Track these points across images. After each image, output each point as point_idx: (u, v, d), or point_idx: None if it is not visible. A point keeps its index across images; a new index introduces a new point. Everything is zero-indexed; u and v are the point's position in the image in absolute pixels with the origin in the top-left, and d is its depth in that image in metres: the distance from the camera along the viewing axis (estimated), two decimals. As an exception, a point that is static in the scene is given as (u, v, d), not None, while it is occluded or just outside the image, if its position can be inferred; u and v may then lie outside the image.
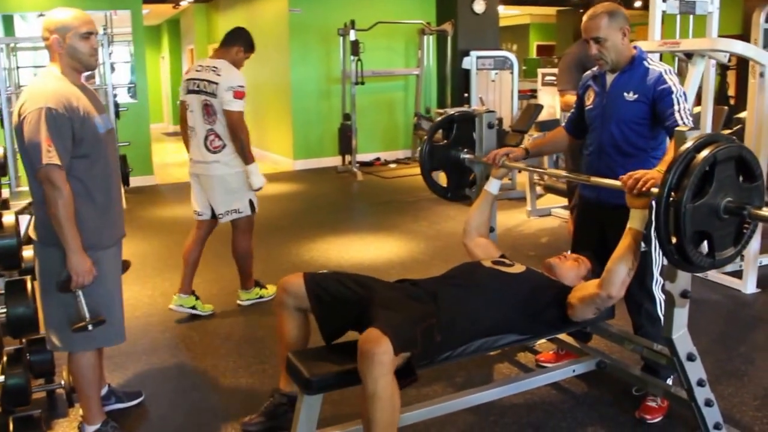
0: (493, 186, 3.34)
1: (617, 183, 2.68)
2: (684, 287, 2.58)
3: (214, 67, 4.25)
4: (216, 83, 4.19)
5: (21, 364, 2.69)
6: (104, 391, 3.19)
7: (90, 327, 2.69)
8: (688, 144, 2.29)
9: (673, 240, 2.26)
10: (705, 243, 2.37)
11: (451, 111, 7.09)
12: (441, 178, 3.78)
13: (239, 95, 4.20)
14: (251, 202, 4.41)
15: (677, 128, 2.65)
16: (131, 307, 4.40)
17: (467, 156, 3.55)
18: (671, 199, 2.24)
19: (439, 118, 3.82)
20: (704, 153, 2.25)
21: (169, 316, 4.38)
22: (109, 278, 2.82)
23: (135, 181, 8.33)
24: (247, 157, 4.26)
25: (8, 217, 2.90)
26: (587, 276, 2.92)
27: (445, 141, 3.61)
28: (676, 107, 2.84)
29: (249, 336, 4.06)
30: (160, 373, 3.65)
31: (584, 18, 2.98)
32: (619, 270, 2.55)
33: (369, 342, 2.26)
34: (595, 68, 3.13)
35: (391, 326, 2.32)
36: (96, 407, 2.91)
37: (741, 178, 2.37)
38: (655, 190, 2.44)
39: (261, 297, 4.68)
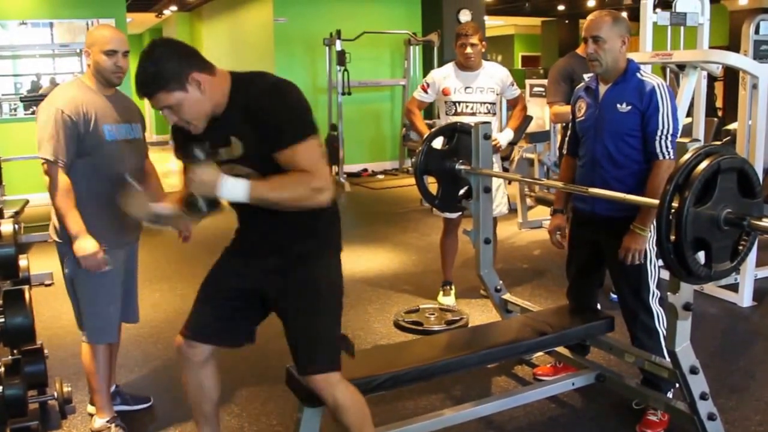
0: None
1: (618, 194, 2.69)
2: (686, 299, 2.57)
3: None
4: None
5: (18, 375, 2.68)
6: (111, 389, 3.22)
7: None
8: (690, 153, 2.28)
9: (672, 237, 2.24)
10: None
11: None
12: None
13: None
14: None
15: (678, 140, 2.67)
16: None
17: (463, 167, 3.52)
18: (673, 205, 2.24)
19: (443, 125, 3.81)
20: (708, 161, 2.25)
21: (161, 328, 4.32)
22: (104, 276, 2.88)
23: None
24: None
25: (6, 226, 2.90)
26: None
27: (446, 147, 3.59)
28: (659, 132, 2.87)
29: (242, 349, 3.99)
30: (154, 383, 3.60)
31: (588, 17, 3.02)
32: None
33: (317, 390, 2.31)
34: (586, 77, 3.13)
35: (326, 362, 2.31)
36: (103, 401, 3.05)
37: (741, 193, 2.35)
38: None
39: None
